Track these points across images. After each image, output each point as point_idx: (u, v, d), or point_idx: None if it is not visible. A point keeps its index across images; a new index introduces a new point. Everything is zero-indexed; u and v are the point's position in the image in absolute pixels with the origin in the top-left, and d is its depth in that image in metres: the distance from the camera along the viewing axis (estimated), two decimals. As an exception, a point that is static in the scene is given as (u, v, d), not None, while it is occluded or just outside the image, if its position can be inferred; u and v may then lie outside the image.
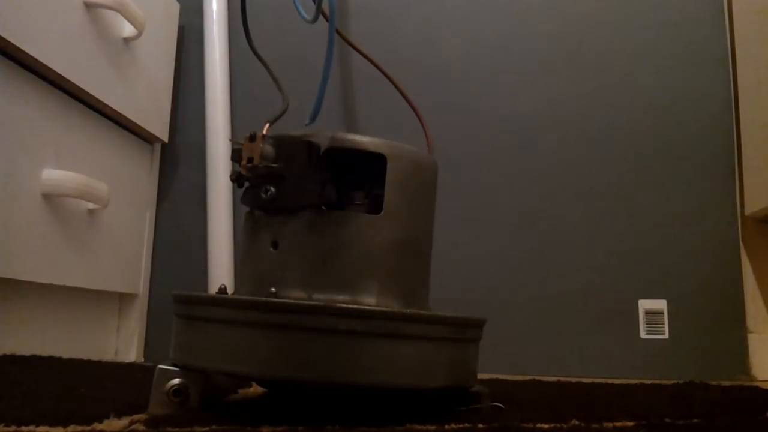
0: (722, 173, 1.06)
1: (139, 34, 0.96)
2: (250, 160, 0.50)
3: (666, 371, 0.97)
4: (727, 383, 0.81)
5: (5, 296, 0.77)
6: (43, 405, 0.47)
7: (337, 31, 0.60)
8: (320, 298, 0.49)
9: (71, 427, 0.41)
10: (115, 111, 0.93)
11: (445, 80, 1.12)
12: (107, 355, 1.01)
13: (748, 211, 1.03)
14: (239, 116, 1.14)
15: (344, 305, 0.46)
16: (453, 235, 1.06)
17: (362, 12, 1.16)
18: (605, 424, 0.47)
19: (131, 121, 0.98)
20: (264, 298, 0.47)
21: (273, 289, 0.50)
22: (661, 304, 1.02)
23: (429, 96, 1.09)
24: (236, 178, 0.52)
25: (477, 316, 0.54)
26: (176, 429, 0.42)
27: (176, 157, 1.15)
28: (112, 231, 0.96)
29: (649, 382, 0.84)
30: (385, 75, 0.79)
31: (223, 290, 0.53)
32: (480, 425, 0.45)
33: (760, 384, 0.87)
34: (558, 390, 0.72)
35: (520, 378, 0.87)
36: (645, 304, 1.02)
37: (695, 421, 0.49)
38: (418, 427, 0.45)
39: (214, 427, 0.42)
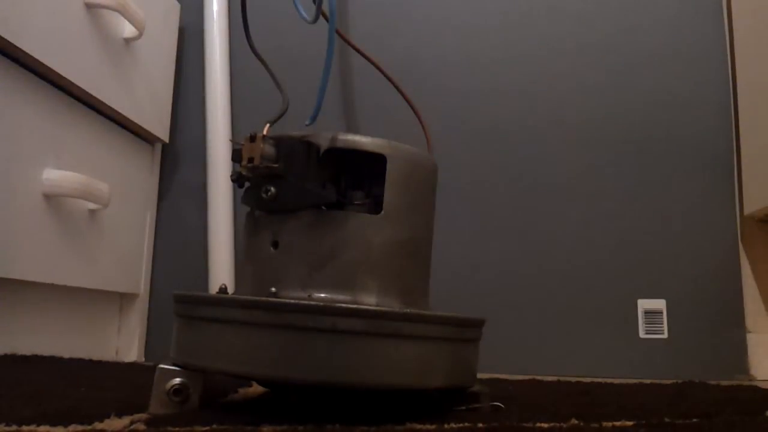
0: (721, 173, 1.06)
1: (140, 35, 0.96)
2: (250, 160, 0.50)
3: (665, 371, 0.97)
4: (726, 383, 0.81)
5: (5, 296, 0.77)
6: (44, 404, 0.47)
7: (337, 32, 0.60)
8: (320, 297, 0.49)
9: (72, 427, 0.41)
10: (116, 111, 0.94)
11: (445, 80, 1.12)
12: (108, 355, 1.01)
13: (747, 211, 1.03)
14: (239, 116, 1.14)
15: (344, 305, 0.46)
16: (453, 235, 1.06)
17: (362, 12, 1.16)
18: (604, 424, 0.47)
19: (132, 121, 0.98)
20: (264, 298, 0.47)
21: (273, 289, 0.50)
22: (660, 304, 1.02)
23: (429, 96, 1.10)
24: (237, 179, 0.52)
25: (477, 316, 0.54)
26: (177, 428, 0.42)
27: (177, 157, 1.15)
28: (113, 231, 0.96)
29: (648, 381, 0.84)
30: (385, 75, 0.79)
31: (223, 290, 0.53)
32: (480, 425, 0.45)
33: (759, 384, 0.87)
34: (558, 390, 0.72)
35: (520, 378, 0.87)
36: (644, 304, 1.03)
37: (695, 420, 0.49)
38: (418, 426, 0.45)
39: (214, 426, 0.42)
